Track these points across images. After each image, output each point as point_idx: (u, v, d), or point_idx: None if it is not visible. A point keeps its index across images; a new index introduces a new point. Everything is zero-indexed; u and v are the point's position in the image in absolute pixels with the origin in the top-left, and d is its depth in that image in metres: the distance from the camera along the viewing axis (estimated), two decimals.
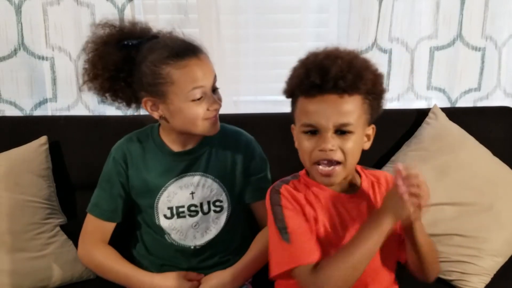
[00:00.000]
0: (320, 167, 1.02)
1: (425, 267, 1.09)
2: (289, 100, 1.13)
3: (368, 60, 1.05)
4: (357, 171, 1.15)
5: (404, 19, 1.77)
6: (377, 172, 1.18)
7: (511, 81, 1.87)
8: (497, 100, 1.86)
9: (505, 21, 1.80)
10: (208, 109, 1.19)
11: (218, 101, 1.22)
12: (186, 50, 1.19)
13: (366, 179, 1.14)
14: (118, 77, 1.22)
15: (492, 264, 1.43)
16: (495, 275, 1.43)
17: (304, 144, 1.04)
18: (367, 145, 1.09)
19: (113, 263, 1.30)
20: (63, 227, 1.49)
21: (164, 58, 1.17)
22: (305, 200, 1.08)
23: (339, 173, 1.03)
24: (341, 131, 1.01)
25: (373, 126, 1.09)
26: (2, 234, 1.41)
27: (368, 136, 1.08)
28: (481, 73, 1.84)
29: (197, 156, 1.30)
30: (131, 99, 1.26)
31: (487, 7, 1.77)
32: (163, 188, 1.28)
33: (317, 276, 1.00)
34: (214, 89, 1.23)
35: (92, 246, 1.32)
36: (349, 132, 1.01)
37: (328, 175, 1.03)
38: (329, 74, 0.98)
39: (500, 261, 1.45)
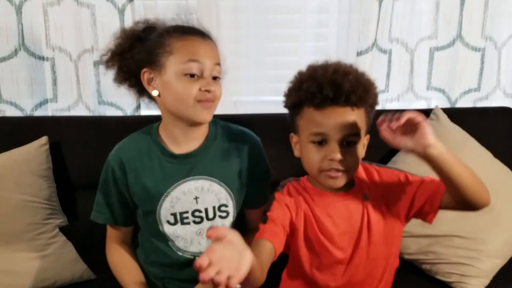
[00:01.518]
0: (328, 172, 1.08)
1: (473, 198, 1.03)
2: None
3: (367, 75, 1.12)
4: None
5: (404, 20, 1.77)
6: (365, 164, 1.22)
7: (511, 81, 1.87)
8: (497, 100, 1.86)
9: (504, 21, 1.80)
10: (200, 89, 1.16)
11: (214, 86, 1.17)
12: (193, 29, 1.21)
13: (360, 175, 1.18)
14: (127, 52, 1.22)
15: (491, 266, 1.43)
16: (494, 277, 1.43)
17: (312, 154, 1.09)
18: (363, 153, 1.14)
19: (121, 269, 1.30)
20: (63, 228, 1.50)
21: (170, 31, 1.19)
22: (300, 202, 1.15)
23: (343, 179, 1.10)
24: (347, 142, 1.08)
25: (368, 136, 1.14)
26: (2, 235, 1.41)
27: (364, 145, 1.14)
28: (481, 74, 1.84)
29: (200, 158, 1.24)
30: (133, 75, 1.24)
31: (487, 8, 1.77)
32: (165, 194, 1.23)
33: None
34: (215, 77, 1.20)
35: (108, 246, 1.34)
36: (354, 142, 1.08)
37: (335, 177, 1.09)
38: (342, 88, 1.04)
39: (499, 263, 1.45)
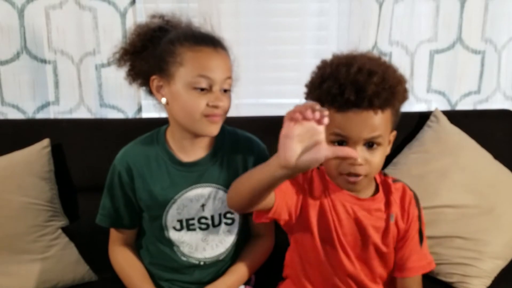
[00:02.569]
0: (347, 177, 1.05)
1: None
2: (291, 102, 1.13)
3: (396, 69, 1.06)
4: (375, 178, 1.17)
5: (404, 22, 1.77)
6: (390, 181, 1.18)
7: (510, 84, 1.87)
8: (497, 103, 1.86)
9: (504, 24, 1.80)
10: (208, 104, 1.14)
11: (223, 100, 1.15)
12: (205, 38, 1.17)
13: (382, 186, 1.16)
14: (140, 52, 1.21)
15: (492, 267, 1.43)
16: (495, 277, 1.43)
17: None
18: (388, 150, 1.10)
19: (128, 269, 1.29)
20: (65, 229, 1.49)
21: (182, 38, 1.15)
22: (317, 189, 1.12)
23: (363, 183, 1.07)
24: (370, 143, 1.03)
25: (394, 132, 1.10)
26: (5, 237, 1.41)
27: (389, 141, 1.10)
28: (481, 76, 1.84)
29: (207, 166, 1.24)
30: (143, 77, 1.23)
31: (487, 10, 1.78)
32: (172, 201, 1.23)
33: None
34: (225, 90, 1.18)
35: (112, 248, 1.33)
36: (378, 144, 1.03)
37: (354, 182, 1.05)
38: (365, 92, 0.98)
39: (500, 264, 1.45)
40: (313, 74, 1.10)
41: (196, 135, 1.21)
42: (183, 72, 1.14)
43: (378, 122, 1.01)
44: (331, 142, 1.03)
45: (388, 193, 1.15)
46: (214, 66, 1.14)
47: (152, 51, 1.19)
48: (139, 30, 1.23)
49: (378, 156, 1.04)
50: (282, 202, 1.07)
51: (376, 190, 1.15)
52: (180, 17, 1.26)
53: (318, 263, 1.15)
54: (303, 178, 1.15)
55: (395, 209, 1.13)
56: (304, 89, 1.12)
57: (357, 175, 1.03)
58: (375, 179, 1.16)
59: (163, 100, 1.19)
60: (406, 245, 1.14)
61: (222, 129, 1.27)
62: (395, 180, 1.18)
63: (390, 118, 1.05)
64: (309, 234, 1.12)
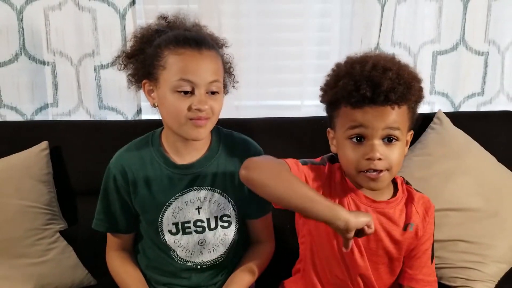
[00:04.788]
0: (368, 173, 1.03)
1: None
2: (292, 104, 1.13)
3: (411, 67, 1.06)
4: (395, 183, 1.15)
5: (406, 24, 1.76)
6: (414, 191, 1.16)
7: None
8: (501, 104, 1.86)
9: (508, 25, 1.80)
10: (191, 108, 1.12)
11: (207, 103, 1.13)
12: (189, 40, 1.14)
13: (401, 193, 1.14)
14: (138, 55, 1.20)
15: (496, 271, 1.42)
16: (499, 281, 1.42)
17: (349, 152, 1.04)
18: (406, 150, 1.09)
19: (124, 274, 1.27)
20: (63, 233, 1.48)
21: (168, 42, 1.14)
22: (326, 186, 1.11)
23: (386, 179, 1.05)
24: (389, 138, 1.02)
25: (411, 131, 1.10)
26: (2, 240, 1.40)
27: (407, 142, 1.09)
28: (484, 78, 1.84)
29: (203, 169, 1.23)
30: (139, 81, 1.22)
31: (490, 12, 1.77)
32: (167, 204, 1.22)
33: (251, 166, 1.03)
34: (213, 92, 1.15)
35: (109, 254, 1.32)
36: (396, 139, 1.03)
37: (375, 179, 1.03)
38: (380, 87, 0.99)
39: (504, 268, 1.44)
40: (327, 77, 1.10)
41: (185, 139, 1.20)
42: (166, 75, 1.13)
43: (396, 117, 1.01)
44: (349, 138, 1.03)
45: (410, 201, 1.13)
46: (196, 69, 1.12)
47: (145, 55, 1.18)
48: (138, 32, 1.23)
49: (396, 152, 1.03)
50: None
51: (394, 195, 1.14)
52: (184, 18, 1.25)
53: (331, 258, 1.14)
54: (328, 170, 1.13)
55: (416, 219, 1.12)
56: (319, 92, 1.12)
57: (377, 170, 1.02)
58: (395, 184, 1.15)
59: (154, 103, 1.19)
60: (419, 256, 1.14)
61: (218, 131, 1.27)
62: (416, 190, 1.17)
63: (407, 114, 1.04)
64: (325, 225, 1.09)
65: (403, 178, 1.17)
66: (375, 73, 0.99)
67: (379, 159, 1.01)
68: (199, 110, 1.12)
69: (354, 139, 1.03)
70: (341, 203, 1.09)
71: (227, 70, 1.27)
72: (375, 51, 1.08)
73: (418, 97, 1.06)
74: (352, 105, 1.01)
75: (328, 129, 1.13)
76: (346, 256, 1.12)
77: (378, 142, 1.01)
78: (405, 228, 1.11)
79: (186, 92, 1.12)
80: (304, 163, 1.11)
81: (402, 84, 1.00)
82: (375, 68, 1.00)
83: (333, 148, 1.12)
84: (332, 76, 1.08)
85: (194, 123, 1.13)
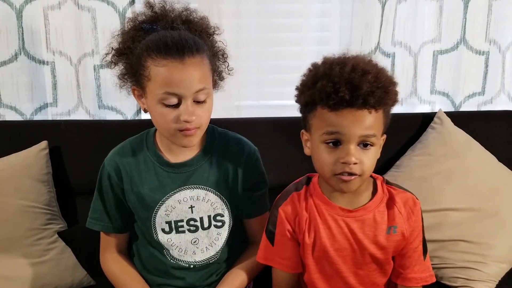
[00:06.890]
0: (342, 175, 1.02)
1: None
2: (292, 104, 1.12)
3: (387, 71, 1.05)
4: (375, 184, 1.14)
5: (407, 23, 1.76)
6: (397, 190, 1.15)
7: None
8: (501, 104, 1.85)
9: (508, 24, 1.79)
10: (179, 120, 1.10)
11: (195, 114, 1.11)
12: (172, 48, 1.08)
13: (381, 194, 1.12)
14: (124, 55, 1.17)
15: (497, 271, 1.41)
16: (500, 281, 1.42)
17: (324, 156, 1.03)
18: (379, 154, 1.08)
19: (124, 276, 1.27)
20: (63, 233, 1.48)
21: (150, 49, 1.09)
22: (303, 213, 1.12)
23: (357, 183, 1.04)
24: (364, 143, 1.01)
25: (385, 136, 1.09)
26: (2, 240, 1.40)
27: (380, 145, 1.08)
28: (484, 77, 1.83)
29: (196, 167, 1.22)
30: (128, 82, 1.20)
31: (491, 11, 1.76)
32: (160, 202, 1.21)
33: None
34: (200, 101, 1.12)
35: (104, 256, 1.31)
36: (371, 144, 1.02)
37: (348, 181, 1.03)
38: (359, 90, 0.97)
39: (505, 268, 1.43)
40: (303, 76, 1.08)
41: None
42: (152, 87, 1.10)
43: (372, 121, 1.00)
44: (324, 142, 1.02)
45: (391, 203, 1.12)
46: (180, 81, 1.08)
47: (131, 57, 1.15)
48: (125, 26, 1.20)
49: (371, 157, 1.03)
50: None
51: (373, 197, 1.12)
52: (172, 6, 1.19)
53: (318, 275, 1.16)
54: (304, 193, 1.14)
55: (399, 220, 1.10)
56: (295, 92, 1.10)
57: (351, 173, 1.01)
58: (375, 186, 1.14)
59: (145, 108, 1.18)
60: (410, 255, 1.13)
61: (212, 130, 1.27)
62: (399, 186, 1.16)
63: (382, 118, 1.03)
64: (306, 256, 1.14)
65: (383, 178, 1.16)
66: (354, 76, 0.98)
67: (355, 163, 1.00)
68: (187, 121, 1.10)
69: (331, 144, 1.02)
70: (317, 225, 1.10)
71: (220, 58, 1.24)
72: (352, 53, 1.06)
73: (394, 101, 1.05)
74: (330, 108, 0.99)
75: (302, 131, 1.11)
76: (333, 271, 1.13)
77: (354, 147, 1.00)
78: (388, 231, 1.10)
79: (172, 105, 1.10)
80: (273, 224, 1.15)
81: (380, 87, 0.98)
82: (354, 71, 0.98)
83: (306, 151, 1.10)
84: (309, 77, 1.05)
85: (184, 133, 1.13)
